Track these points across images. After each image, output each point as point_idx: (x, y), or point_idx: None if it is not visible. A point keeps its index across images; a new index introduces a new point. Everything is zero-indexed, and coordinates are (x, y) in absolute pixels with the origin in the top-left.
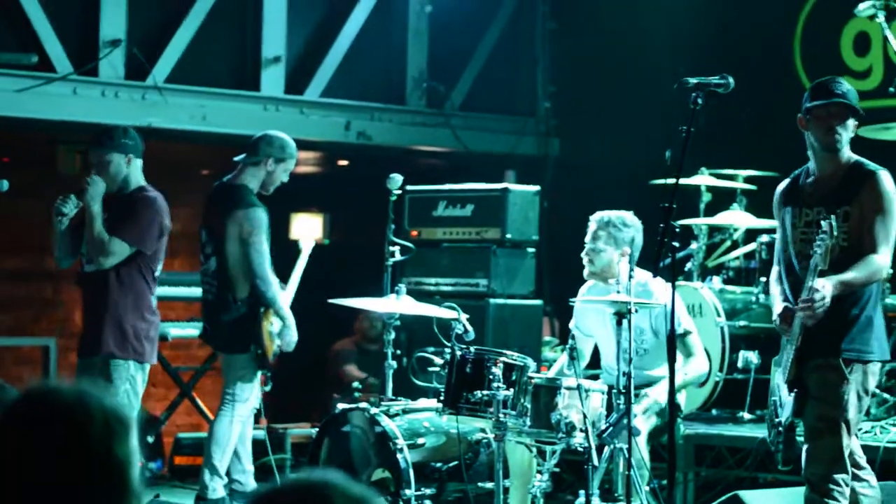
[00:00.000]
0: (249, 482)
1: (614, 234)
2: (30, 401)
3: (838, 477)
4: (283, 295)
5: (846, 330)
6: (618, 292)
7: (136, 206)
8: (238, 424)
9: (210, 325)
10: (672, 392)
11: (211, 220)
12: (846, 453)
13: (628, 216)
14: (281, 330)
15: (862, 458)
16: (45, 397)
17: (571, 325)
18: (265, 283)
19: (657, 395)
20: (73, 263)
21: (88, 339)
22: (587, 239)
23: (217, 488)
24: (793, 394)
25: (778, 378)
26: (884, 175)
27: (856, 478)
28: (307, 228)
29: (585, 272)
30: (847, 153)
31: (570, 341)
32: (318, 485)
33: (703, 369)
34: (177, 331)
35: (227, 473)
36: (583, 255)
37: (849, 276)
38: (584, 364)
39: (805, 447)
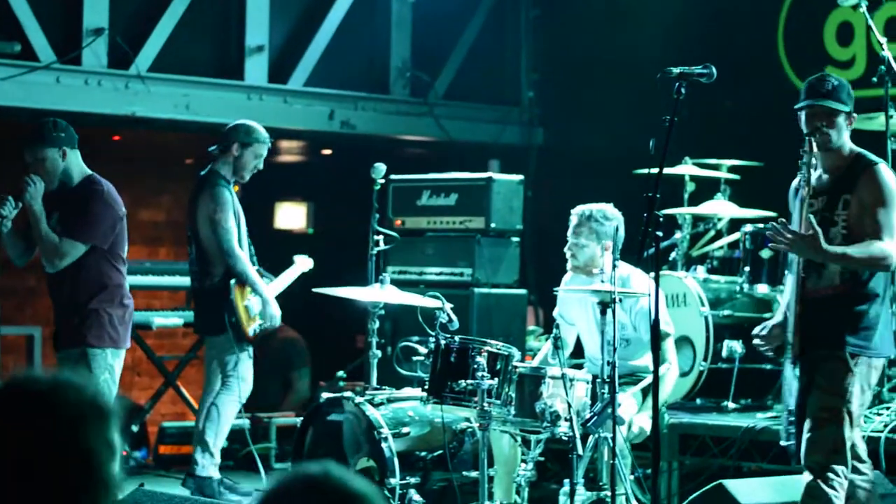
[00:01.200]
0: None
1: (596, 228)
2: (7, 390)
3: (838, 468)
4: (266, 288)
5: (853, 324)
6: (602, 282)
7: (86, 201)
8: (235, 405)
9: (195, 312)
10: (656, 383)
11: (189, 210)
12: (847, 445)
13: (609, 209)
14: (262, 308)
15: (863, 452)
16: (21, 387)
17: (555, 313)
18: (233, 258)
19: (641, 422)
20: (29, 261)
21: (65, 333)
22: (569, 233)
23: (206, 466)
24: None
25: (787, 370)
26: (882, 167)
27: (855, 470)
28: (293, 218)
29: (568, 266)
30: (848, 146)
31: (554, 330)
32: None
33: (675, 376)
34: (161, 320)
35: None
36: (566, 249)
37: (848, 249)
38: (568, 353)
39: (806, 436)
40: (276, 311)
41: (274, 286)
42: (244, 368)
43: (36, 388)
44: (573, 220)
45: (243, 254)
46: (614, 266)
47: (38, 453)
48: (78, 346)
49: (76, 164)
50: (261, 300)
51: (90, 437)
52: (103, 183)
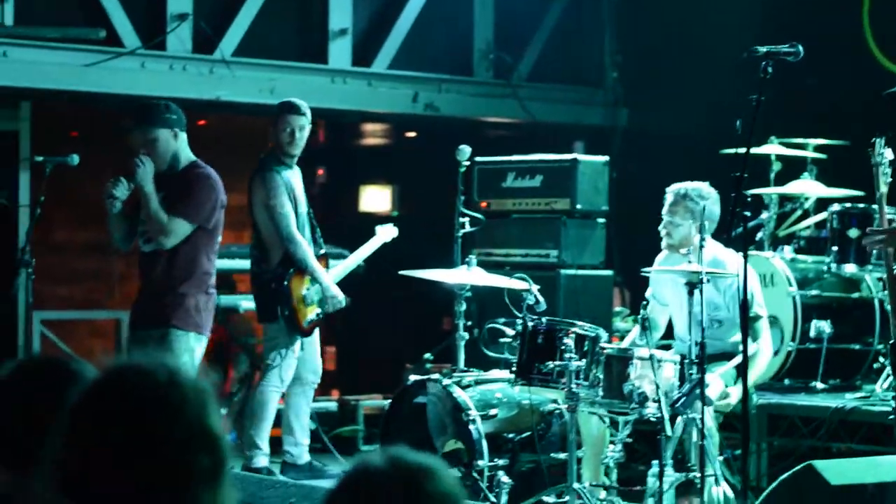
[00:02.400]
0: (303, 455)
1: (691, 206)
2: (119, 381)
3: None
4: (335, 269)
5: None
6: (689, 262)
7: (193, 183)
8: (273, 394)
9: (253, 297)
10: (745, 363)
11: (248, 196)
12: None
13: (704, 187)
14: (321, 295)
15: None
16: (134, 377)
17: (648, 293)
18: (293, 243)
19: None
20: (132, 245)
21: (150, 313)
22: (664, 212)
23: (255, 457)
24: None
25: None
26: None
27: None
28: (378, 201)
29: (663, 244)
30: None
31: (642, 311)
32: (411, 468)
33: (767, 359)
34: (248, 303)
35: (282, 445)
36: (660, 227)
37: None
38: (658, 334)
39: None
40: (338, 295)
41: (345, 262)
42: (290, 360)
43: (152, 379)
44: (668, 198)
45: (303, 240)
46: (701, 245)
47: (167, 446)
48: (162, 327)
49: (184, 148)
50: (320, 287)
51: (210, 421)
52: (209, 168)
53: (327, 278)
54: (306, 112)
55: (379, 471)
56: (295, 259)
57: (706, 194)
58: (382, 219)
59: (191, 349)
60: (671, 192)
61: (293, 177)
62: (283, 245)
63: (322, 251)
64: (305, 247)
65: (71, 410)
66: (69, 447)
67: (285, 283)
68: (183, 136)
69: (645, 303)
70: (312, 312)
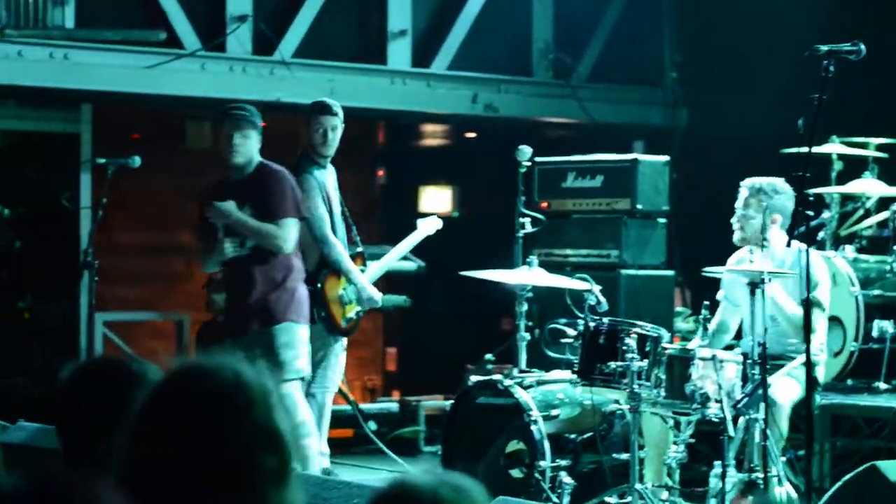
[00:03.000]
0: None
1: (765, 200)
2: (186, 381)
3: None
4: (372, 267)
5: None
6: (750, 262)
7: (277, 181)
8: (325, 395)
9: None
10: (809, 362)
11: None
12: None
13: (779, 182)
14: (358, 294)
15: None
16: (200, 378)
17: (720, 295)
18: (327, 245)
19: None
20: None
21: (260, 312)
22: (737, 205)
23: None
24: None
25: None
26: None
27: None
28: (438, 202)
29: (735, 237)
30: None
31: (703, 311)
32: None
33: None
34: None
35: None
36: (733, 220)
37: None
38: (729, 336)
39: None
40: (374, 294)
41: (386, 258)
42: (334, 359)
43: (218, 379)
44: (742, 192)
45: (337, 241)
46: (763, 245)
47: (234, 445)
48: (277, 324)
49: (258, 152)
50: (356, 288)
51: (275, 421)
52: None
53: (362, 278)
54: (338, 112)
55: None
56: (329, 260)
57: (781, 189)
58: (442, 220)
59: (305, 341)
60: (745, 186)
61: (327, 177)
62: (317, 247)
63: (359, 249)
64: (340, 248)
65: (136, 412)
66: (135, 449)
67: (318, 284)
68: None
69: (707, 303)
70: (352, 311)
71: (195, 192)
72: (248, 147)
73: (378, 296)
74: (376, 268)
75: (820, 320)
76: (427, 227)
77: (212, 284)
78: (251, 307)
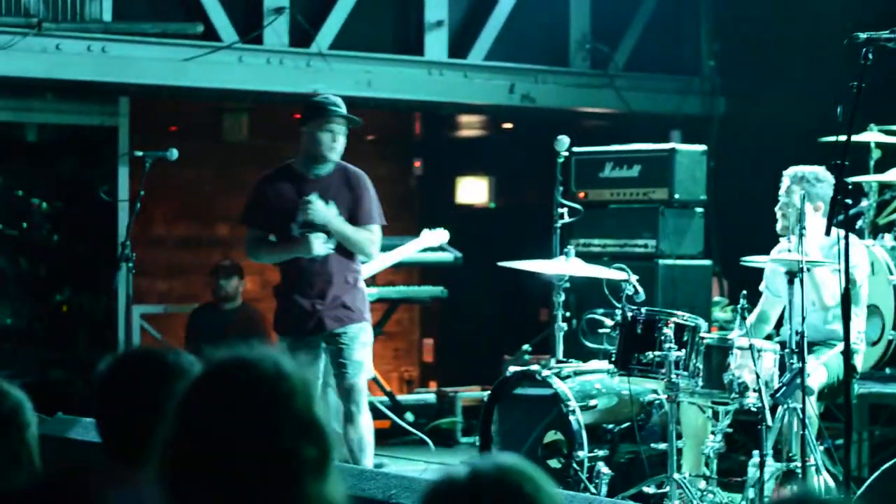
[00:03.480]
0: None
1: (808, 188)
2: (226, 371)
3: None
4: (372, 263)
5: None
6: (788, 251)
7: (365, 186)
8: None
9: None
10: (847, 352)
11: None
12: None
13: (821, 171)
14: None
15: None
16: (241, 369)
17: (762, 286)
18: None
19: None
20: None
21: (341, 311)
22: (780, 193)
23: None
24: None
25: None
26: None
27: None
28: (475, 192)
29: (778, 226)
30: None
31: (741, 301)
32: (508, 472)
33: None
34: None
35: None
36: (776, 209)
37: None
38: (769, 327)
39: None
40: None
41: (383, 260)
42: None
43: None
44: (785, 181)
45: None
46: (801, 234)
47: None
48: (357, 322)
49: None
50: None
51: (315, 411)
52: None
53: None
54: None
55: (460, 487)
56: None
57: (822, 177)
58: (479, 210)
59: (372, 340)
60: (787, 174)
61: None
62: None
63: None
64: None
65: (177, 403)
66: (176, 440)
67: None
68: None
69: (744, 292)
70: None
71: (252, 181)
72: (340, 145)
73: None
74: (373, 267)
75: (858, 309)
76: (430, 239)
77: (221, 271)
78: (329, 306)
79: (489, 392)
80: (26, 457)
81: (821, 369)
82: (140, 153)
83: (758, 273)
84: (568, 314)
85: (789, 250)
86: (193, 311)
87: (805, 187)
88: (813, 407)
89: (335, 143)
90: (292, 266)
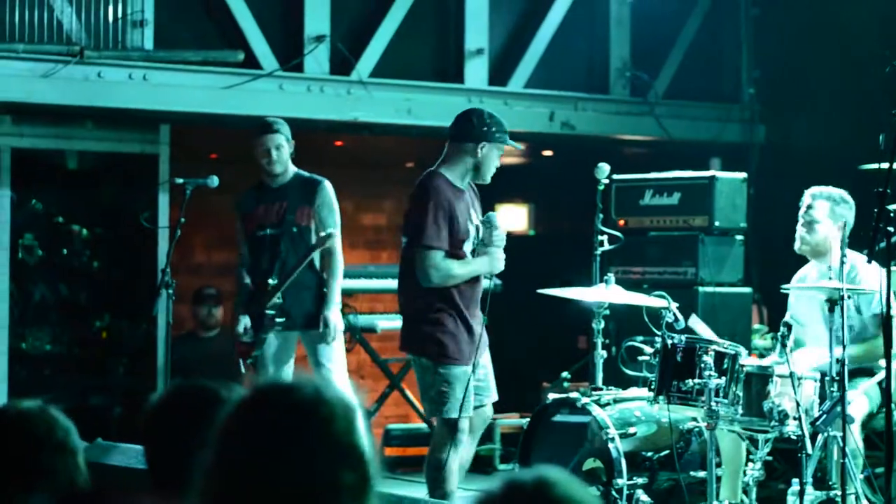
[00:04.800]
0: None
1: (833, 207)
2: (267, 396)
3: None
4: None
5: None
6: (829, 278)
7: None
8: None
9: None
10: (889, 379)
11: None
12: None
13: (845, 193)
14: None
15: None
16: (280, 394)
17: (787, 317)
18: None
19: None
20: None
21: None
22: (801, 212)
23: None
24: None
25: None
26: None
27: None
28: (515, 219)
29: (797, 245)
30: None
31: (781, 329)
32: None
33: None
34: (385, 323)
35: None
36: (798, 227)
37: None
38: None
39: None
40: None
41: None
42: None
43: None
44: (806, 199)
45: None
46: (842, 261)
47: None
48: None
49: None
50: None
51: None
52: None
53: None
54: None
55: (526, 491)
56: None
57: (847, 199)
58: (519, 238)
59: None
60: (809, 193)
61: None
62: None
63: None
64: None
65: (219, 429)
66: (215, 465)
67: None
68: None
69: (785, 320)
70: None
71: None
72: None
73: None
74: None
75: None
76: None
77: (209, 299)
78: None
79: (528, 419)
80: (82, 482)
81: (861, 398)
82: (181, 180)
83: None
84: (607, 342)
85: (830, 277)
86: (175, 341)
87: (831, 206)
88: (858, 438)
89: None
90: (470, 289)
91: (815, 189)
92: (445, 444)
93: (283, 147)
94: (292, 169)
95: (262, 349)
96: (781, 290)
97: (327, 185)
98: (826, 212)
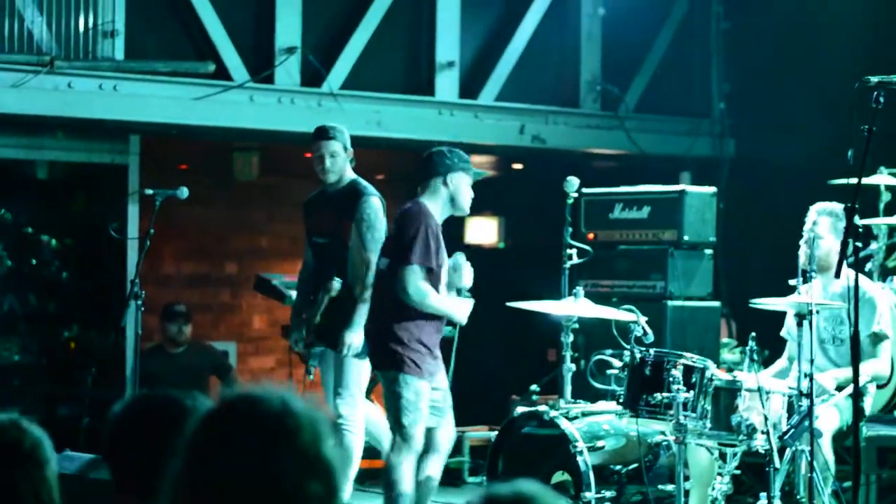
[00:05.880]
0: None
1: (835, 223)
2: (234, 407)
3: None
4: None
5: None
6: (798, 292)
7: None
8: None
9: None
10: (856, 394)
11: None
12: None
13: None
14: None
15: None
16: (247, 406)
17: (783, 332)
18: None
19: (825, 381)
20: None
21: None
22: (805, 228)
23: None
24: None
25: None
26: None
27: None
28: (484, 232)
29: (801, 261)
30: None
31: (749, 343)
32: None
33: (881, 372)
34: None
35: None
36: (802, 242)
37: None
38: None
39: None
40: None
41: None
42: None
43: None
44: (811, 215)
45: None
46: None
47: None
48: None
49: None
50: None
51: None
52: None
53: None
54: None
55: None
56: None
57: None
58: (489, 251)
59: None
60: (814, 209)
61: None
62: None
63: None
64: None
65: (186, 439)
66: (184, 476)
67: None
68: None
69: (753, 334)
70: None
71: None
72: None
73: None
74: None
75: (884, 350)
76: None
77: (179, 317)
78: None
79: (497, 432)
80: (46, 494)
81: (832, 412)
82: (150, 191)
83: (766, 315)
84: (576, 355)
85: (799, 293)
86: (141, 356)
87: (833, 221)
88: (829, 452)
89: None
90: (436, 323)
91: (818, 205)
92: (401, 449)
93: (338, 154)
94: (349, 177)
95: (316, 361)
96: (750, 305)
97: (370, 201)
98: (828, 227)
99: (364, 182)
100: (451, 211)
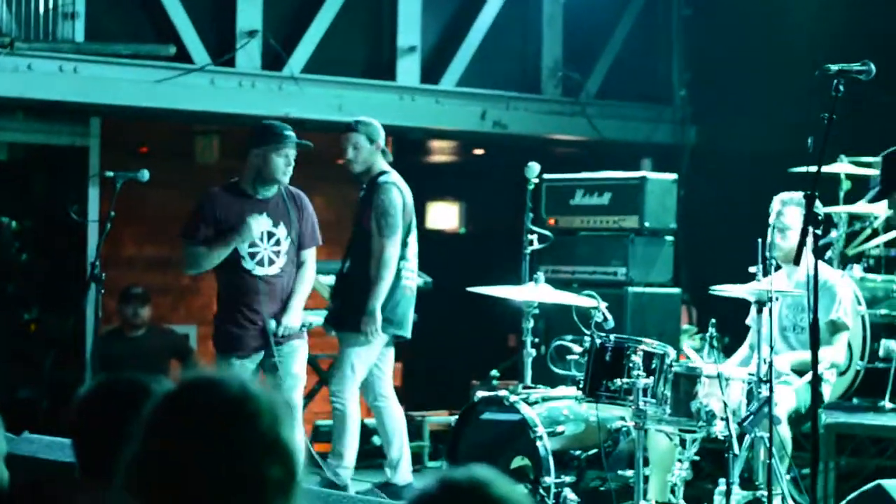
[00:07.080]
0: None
1: (802, 212)
2: (192, 391)
3: None
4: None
5: None
6: (758, 280)
7: (307, 206)
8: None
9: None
10: (815, 380)
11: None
12: None
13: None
14: None
15: None
16: (206, 389)
17: (748, 321)
18: None
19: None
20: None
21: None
22: (772, 219)
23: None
24: None
25: None
26: None
27: None
28: (445, 218)
29: (776, 253)
30: None
31: (710, 329)
32: (472, 484)
33: (836, 360)
34: (314, 318)
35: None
36: (769, 233)
37: None
38: None
39: None
40: None
41: None
42: None
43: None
44: (776, 206)
45: None
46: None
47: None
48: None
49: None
50: None
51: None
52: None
53: None
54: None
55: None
56: None
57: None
58: (450, 236)
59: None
60: (779, 199)
61: None
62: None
63: None
64: None
65: (144, 422)
66: (142, 459)
67: None
68: None
69: (713, 321)
70: None
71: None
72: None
73: None
74: None
75: (841, 338)
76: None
77: (137, 299)
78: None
79: (457, 417)
80: None
81: (789, 395)
82: (111, 174)
83: (726, 302)
84: (537, 340)
85: (758, 279)
86: (100, 339)
87: (801, 210)
88: (786, 432)
89: (289, 167)
90: (238, 284)
91: (784, 195)
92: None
93: (361, 147)
94: (379, 168)
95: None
96: (710, 292)
97: (386, 189)
98: (797, 217)
99: (390, 173)
100: (261, 181)
